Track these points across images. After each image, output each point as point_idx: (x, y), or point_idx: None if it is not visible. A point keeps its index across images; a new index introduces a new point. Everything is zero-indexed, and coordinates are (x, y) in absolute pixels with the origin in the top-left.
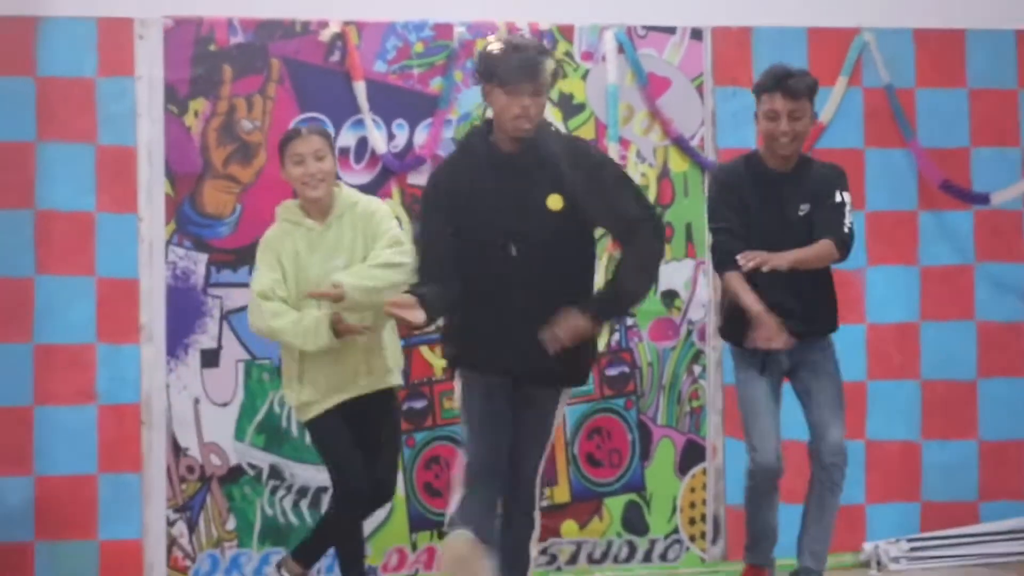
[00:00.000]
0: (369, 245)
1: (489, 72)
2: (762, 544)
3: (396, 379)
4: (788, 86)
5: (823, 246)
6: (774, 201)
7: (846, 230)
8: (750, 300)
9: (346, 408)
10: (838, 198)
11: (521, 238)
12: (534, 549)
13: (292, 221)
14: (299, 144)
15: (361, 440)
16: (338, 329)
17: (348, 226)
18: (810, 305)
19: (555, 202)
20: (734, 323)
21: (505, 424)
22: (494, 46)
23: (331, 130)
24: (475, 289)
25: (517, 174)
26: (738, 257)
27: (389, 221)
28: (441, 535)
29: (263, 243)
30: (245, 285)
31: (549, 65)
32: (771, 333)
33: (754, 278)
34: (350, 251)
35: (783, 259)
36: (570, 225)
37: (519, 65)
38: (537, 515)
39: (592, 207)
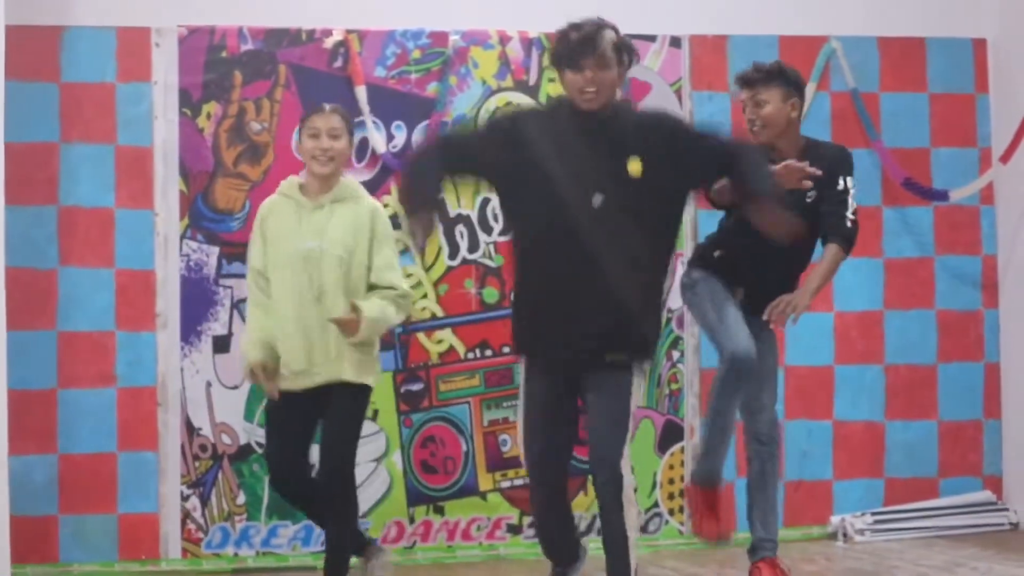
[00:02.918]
0: (362, 239)
1: (556, 57)
2: (720, 446)
3: (357, 377)
4: (742, 78)
5: (833, 257)
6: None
7: (849, 224)
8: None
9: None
10: (840, 185)
11: (604, 192)
12: (631, 532)
13: (286, 195)
14: (318, 119)
15: (323, 429)
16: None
17: (342, 213)
18: (778, 281)
19: (635, 167)
20: (709, 259)
21: (559, 425)
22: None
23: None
24: (542, 266)
25: (597, 137)
26: (764, 317)
27: (390, 228)
28: (438, 509)
29: (258, 212)
30: None
31: (608, 37)
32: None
33: (746, 257)
34: (332, 235)
35: (807, 296)
36: (650, 192)
37: (577, 41)
38: (627, 499)
39: (686, 163)
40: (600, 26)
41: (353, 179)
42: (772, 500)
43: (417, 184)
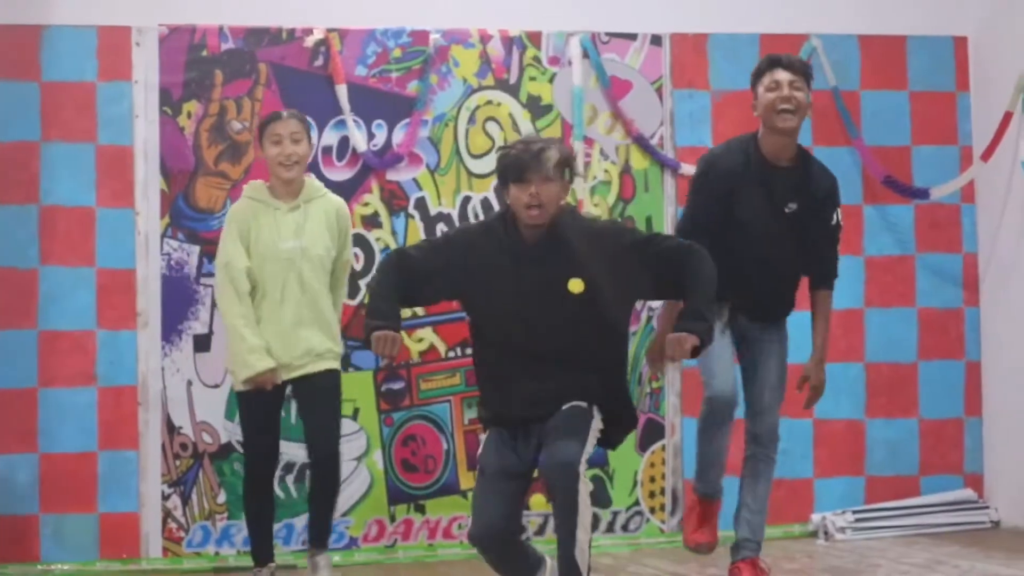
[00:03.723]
0: (334, 238)
1: (502, 174)
2: (711, 472)
3: (338, 364)
4: (787, 60)
5: (828, 306)
6: (765, 194)
7: (836, 267)
8: (669, 311)
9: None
10: (833, 220)
11: (539, 321)
12: (583, 534)
13: (258, 199)
14: (278, 126)
15: (307, 415)
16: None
17: (314, 212)
18: (777, 294)
19: (576, 286)
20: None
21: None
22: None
23: (315, 130)
24: (496, 363)
25: (535, 261)
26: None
27: (350, 223)
28: (419, 508)
29: (229, 216)
30: None
31: (553, 154)
32: (650, 350)
33: (736, 259)
34: (310, 235)
35: (820, 369)
36: (592, 308)
37: (523, 156)
38: (580, 500)
39: (635, 276)
40: (548, 143)
41: (313, 177)
42: (762, 502)
43: (378, 304)
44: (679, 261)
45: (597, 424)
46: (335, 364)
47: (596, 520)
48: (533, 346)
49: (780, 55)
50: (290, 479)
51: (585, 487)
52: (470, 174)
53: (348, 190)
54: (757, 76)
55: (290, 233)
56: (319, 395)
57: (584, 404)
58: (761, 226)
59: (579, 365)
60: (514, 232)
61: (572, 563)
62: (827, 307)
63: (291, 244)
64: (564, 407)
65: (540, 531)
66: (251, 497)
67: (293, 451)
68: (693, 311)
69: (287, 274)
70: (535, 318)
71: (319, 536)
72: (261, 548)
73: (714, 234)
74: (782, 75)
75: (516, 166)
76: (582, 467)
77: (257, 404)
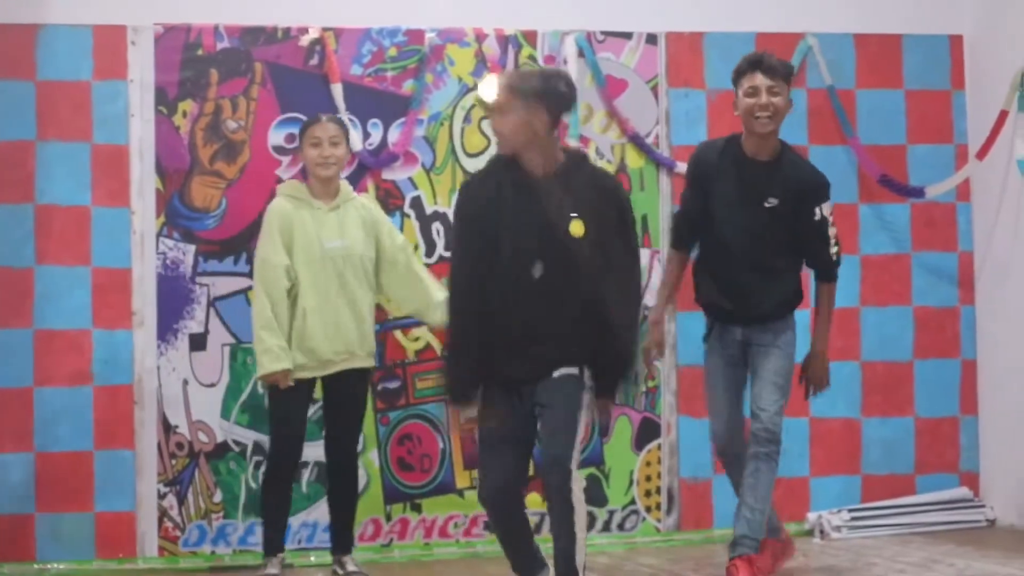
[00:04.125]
0: (369, 231)
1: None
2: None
3: (372, 361)
4: (766, 65)
5: (830, 298)
6: (744, 189)
7: (834, 257)
8: (660, 299)
9: (323, 383)
10: (817, 215)
11: (545, 259)
12: (580, 532)
13: (297, 198)
14: (318, 129)
15: (334, 414)
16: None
17: (350, 213)
18: (758, 291)
19: (577, 227)
20: (700, 291)
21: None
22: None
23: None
24: (498, 306)
25: (537, 198)
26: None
27: (383, 214)
28: (415, 507)
29: (268, 214)
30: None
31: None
32: (648, 344)
33: (720, 257)
34: (352, 236)
35: (818, 362)
36: (592, 250)
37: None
38: (574, 498)
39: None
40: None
41: (345, 180)
42: (762, 501)
43: (460, 372)
44: (615, 281)
45: (587, 399)
46: (369, 362)
47: (592, 519)
48: (531, 287)
49: (761, 56)
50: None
51: (578, 485)
52: (466, 173)
53: None
54: (738, 76)
55: (334, 233)
56: (348, 400)
57: (575, 372)
58: (737, 220)
59: (573, 312)
60: (517, 168)
61: (570, 562)
62: (826, 300)
63: (336, 243)
64: (556, 378)
65: (537, 529)
66: (269, 489)
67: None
68: (603, 383)
69: (330, 272)
70: (536, 256)
71: (346, 542)
72: (274, 539)
73: (697, 227)
74: (761, 80)
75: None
76: (573, 464)
77: (283, 400)
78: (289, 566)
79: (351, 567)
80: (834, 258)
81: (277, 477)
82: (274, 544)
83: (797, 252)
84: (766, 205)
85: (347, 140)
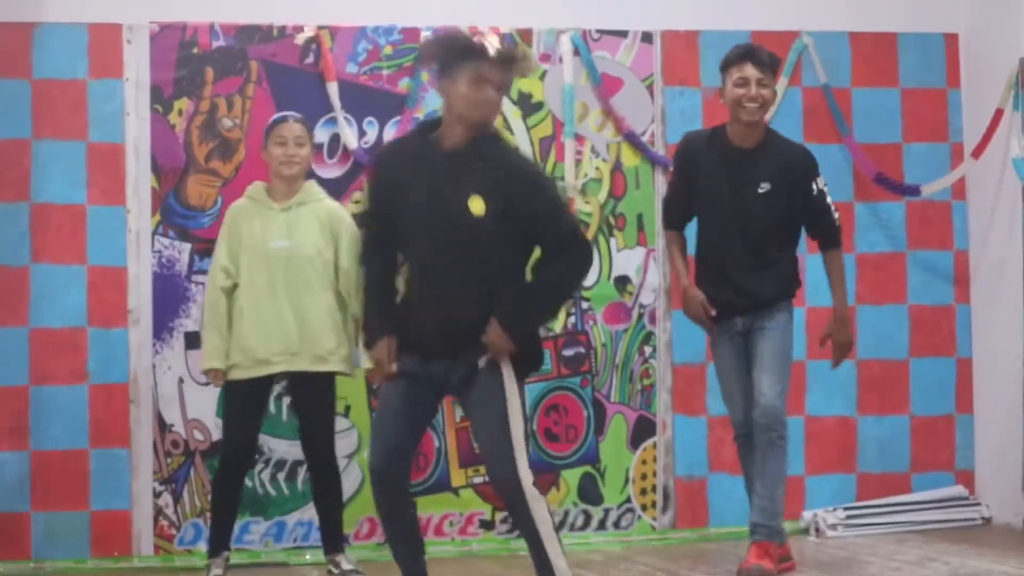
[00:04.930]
0: (328, 239)
1: (463, 58)
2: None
3: (332, 366)
4: (756, 56)
5: (840, 264)
6: (734, 177)
7: (837, 224)
8: (677, 272)
9: (283, 377)
10: (814, 190)
11: (437, 234)
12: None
13: (255, 199)
14: (283, 128)
15: (300, 417)
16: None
17: (307, 214)
18: (757, 278)
19: (476, 205)
20: (701, 286)
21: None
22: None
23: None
24: (410, 276)
25: (450, 170)
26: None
27: (353, 226)
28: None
29: (226, 213)
30: None
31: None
32: (694, 308)
33: (714, 247)
34: (301, 236)
35: (843, 326)
36: (496, 228)
37: (477, 47)
38: (532, 512)
39: (520, 220)
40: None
41: (314, 182)
42: (771, 487)
43: (369, 309)
44: (551, 253)
45: (513, 389)
46: (322, 366)
47: (588, 517)
48: (437, 264)
49: (752, 48)
50: (281, 476)
51: (533, 498)
52: None
53: (339, 187)
54: (727, 66)
55: (281, 233)
56: (306, 402)
57: (496, 369)
58: (730, 209)
59: (479, 290)
60: (434, 142)
61: (550, 571)
62: (837, 265)
63: (282, 243)
64: (475, 377)
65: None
66: (215, 488)
67: (283, 448)
68: (510, 309)
69: (274, 272)
70: (439, 231)
71: (336, 541)
72: (218, 539)
73: (690, 211)
74: (751, 71)
75: (492, 55)
76: (521, 473)
77: (232, 399)
78: (283, 564)
79: (346, 565)
80: (837, 223)
81: (223, 476)
82: (218, 544)
83: (792, 236)
84: (759, 191)
85: (312, 142)
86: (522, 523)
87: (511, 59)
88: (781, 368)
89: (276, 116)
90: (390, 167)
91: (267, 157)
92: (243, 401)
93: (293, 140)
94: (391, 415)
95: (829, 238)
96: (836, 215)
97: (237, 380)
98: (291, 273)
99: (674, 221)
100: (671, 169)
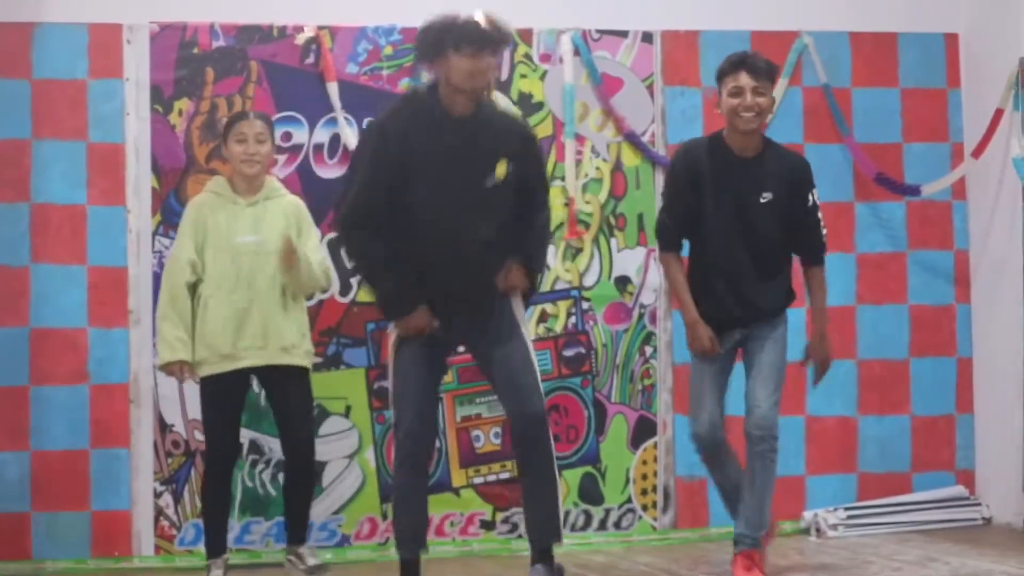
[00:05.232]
0: (292, 231)
1: (446, 40)
2: (730, 506)
3: (298, 360)
4: (751, 64)
5: (822, 283)
6: (735, 187)
7: (824, 241)
8: (684, 302)
9: (255, 372)
10: (810, 201)
11: (460, 198)
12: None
13: (218, 193)
14: (244, 126)
15: (274, 407)
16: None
17: (272, 209)
18: (760, 290)
19: (501, 169)
20: (699, 302)
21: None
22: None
23: (306, 127)
24: (427, 241)
25: (465, 139)
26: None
27: (310, 217)
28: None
29: (188, 207)
30: None
31: (506, 34)
32: (701, 344)
33: (717, 258)
34: (268, 231)
35: (827, 344)
36: (506, 190)
37: (476, 27)
38: (546, 419)
39: (525, 179)
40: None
41: (274, 178)
42: (759, 499)
43: (386, 286)
44: (530, 223)
45: (526, 325)
46: (286, 359)
47: (589, 517)
48: (459, 226)
49: (745, 56)
50: (282, 476)
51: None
52: None
53: (339, 187)
54: (721, 76)
55: (248, 228)
56: (277, 396)
57: (510, 309)
58: (732, 218)
59: (500, 246)
60: (439, 110)
61: (557, 523)
62: (820, 284)
63: (248, 238)
64: (495, 320)
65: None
66: (204, 490)
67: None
68: (529, 254)
69: (239, 267)
70: (464, 195)
71: (299, 533)
72: (214, 541)
73: (691, 226)
74: (745, 80)
75: (474, 35)
76: (547, 416)
77: (210, 396)
78: (283, 565)
79: (311, 560)
80: (824, 240)
81: (212, 478)
82: (216, 546)
83: (788, 246)
84: (762, 200)
85: (272, 138)
86: (543, 457)
87: (489, 33)
88: (777, 380)
89: (235, 112)
90: (401, 137)
91: (227, 154)
92: (220, 399)
93: (254, 137)
94: (420, 382)
95: (815, 255)
96: (824, 232)
97: (207, 377)
98: (257, 268)
99: (676, 241)
100: (671, 184)
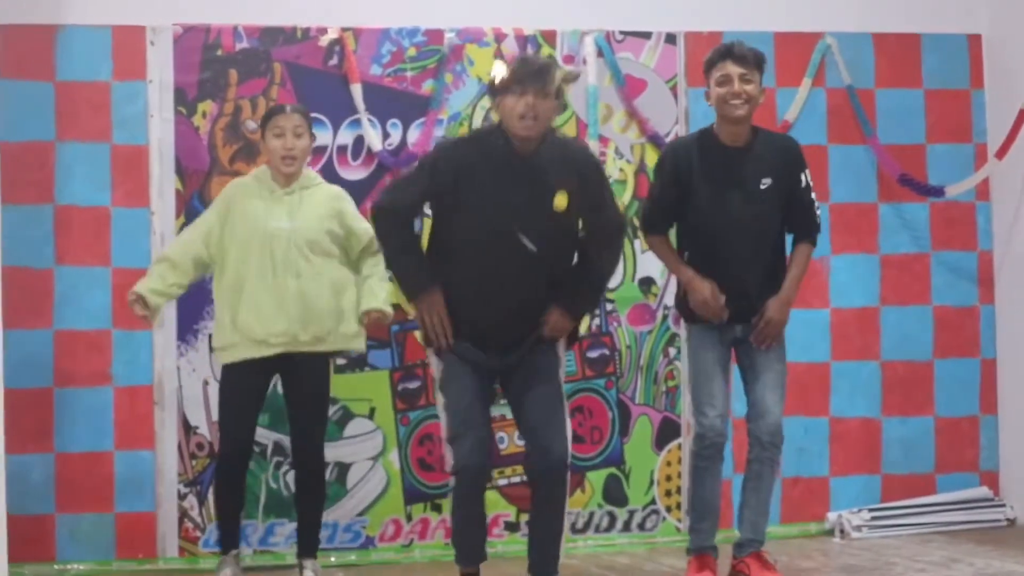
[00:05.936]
0: (333, 216)
1: (501, 84)
2: (705, 522)
3: (330, 345)
4: (737, 53)
5: (806, 259)
6: (735, 178)
7: (817, 221)
8: (679, 268)
9: (279, 364)
10: (803, 182)
11: (531, 232)
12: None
13: (259, 180)
14: (282, 119)
15: (290, 399)
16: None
17: (308, 198)
18: (762, 287)
19: (561, 201)
20: (686, 297)
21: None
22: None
23: (330, 129)
24: (473, 275)
25: (526, 174)
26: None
27: (353, 204)
28: (435, 507)
29: (228, 186)
30: None
31: (557, 73)
32: (705, 297)
33: (719, 252)
34: (304, 218)
35: (786, 309)
36: (570, 222)
37: (523, 68)
38: (568, 464)
39: (586, 209)
40: (549, 61)
41: (310, 169)
42: (764, 504)
43: (411, 265)
44: (603, 240)
45: (563, 368)
46: (327, 347)
47: (613, 518)
48: (510, 260)
49: (732, 46)
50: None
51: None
52: None
53: (363, 189)
54: (709, 67)
55: (283, 214)
56: (300, 386)
57: (550, 348)
58: (734, 209)
59: (550, 280)
60: (507, 145)
61: (555, 563)
62: (806, 258)
63: (283, 224)
64: (534, 358)
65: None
66: (216, 484)
67: None
68: (574, 300)
69: (275, 252)
70: (522, 231)
71: (310, 545)
72: (226, 537)
73: (677, 218)
74: (732, 69)
75: (517, 76)
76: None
77: (232, 388)
78: (290, 567)
79: (309, 574)
80: (818, 220)
81: (225, 473)
82: (227, 542)
83: (784, 228)
84: (761, 187)
85: (310, 131)
86: (558, 499)
87: (525, 76)
88: (784, 386)
89: (273, 106)
90: (461, 159)
91: (264, 149)
92: (241, 394)
93: (291, 130)
94: (477, 407)
95: (807, 231)
96: (819, 212)
97: (234, 364)
98: (291, 254)
99: (660, 227)
100: (658, 179)
